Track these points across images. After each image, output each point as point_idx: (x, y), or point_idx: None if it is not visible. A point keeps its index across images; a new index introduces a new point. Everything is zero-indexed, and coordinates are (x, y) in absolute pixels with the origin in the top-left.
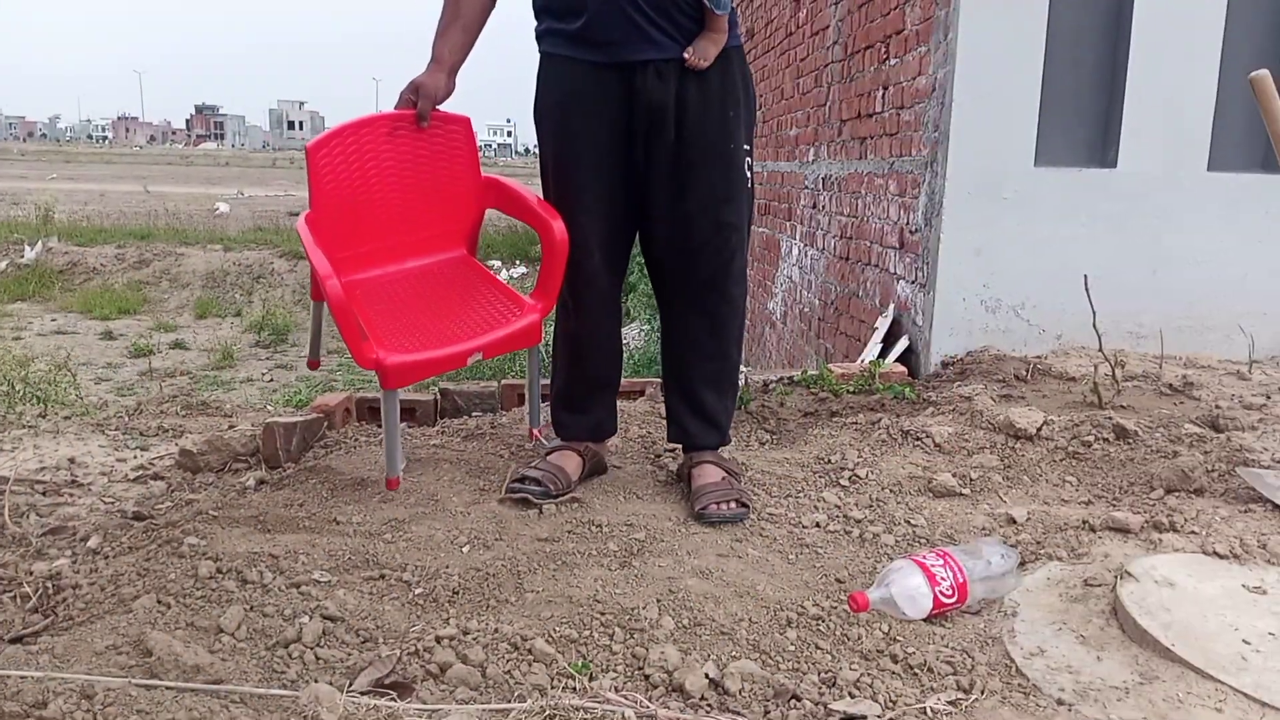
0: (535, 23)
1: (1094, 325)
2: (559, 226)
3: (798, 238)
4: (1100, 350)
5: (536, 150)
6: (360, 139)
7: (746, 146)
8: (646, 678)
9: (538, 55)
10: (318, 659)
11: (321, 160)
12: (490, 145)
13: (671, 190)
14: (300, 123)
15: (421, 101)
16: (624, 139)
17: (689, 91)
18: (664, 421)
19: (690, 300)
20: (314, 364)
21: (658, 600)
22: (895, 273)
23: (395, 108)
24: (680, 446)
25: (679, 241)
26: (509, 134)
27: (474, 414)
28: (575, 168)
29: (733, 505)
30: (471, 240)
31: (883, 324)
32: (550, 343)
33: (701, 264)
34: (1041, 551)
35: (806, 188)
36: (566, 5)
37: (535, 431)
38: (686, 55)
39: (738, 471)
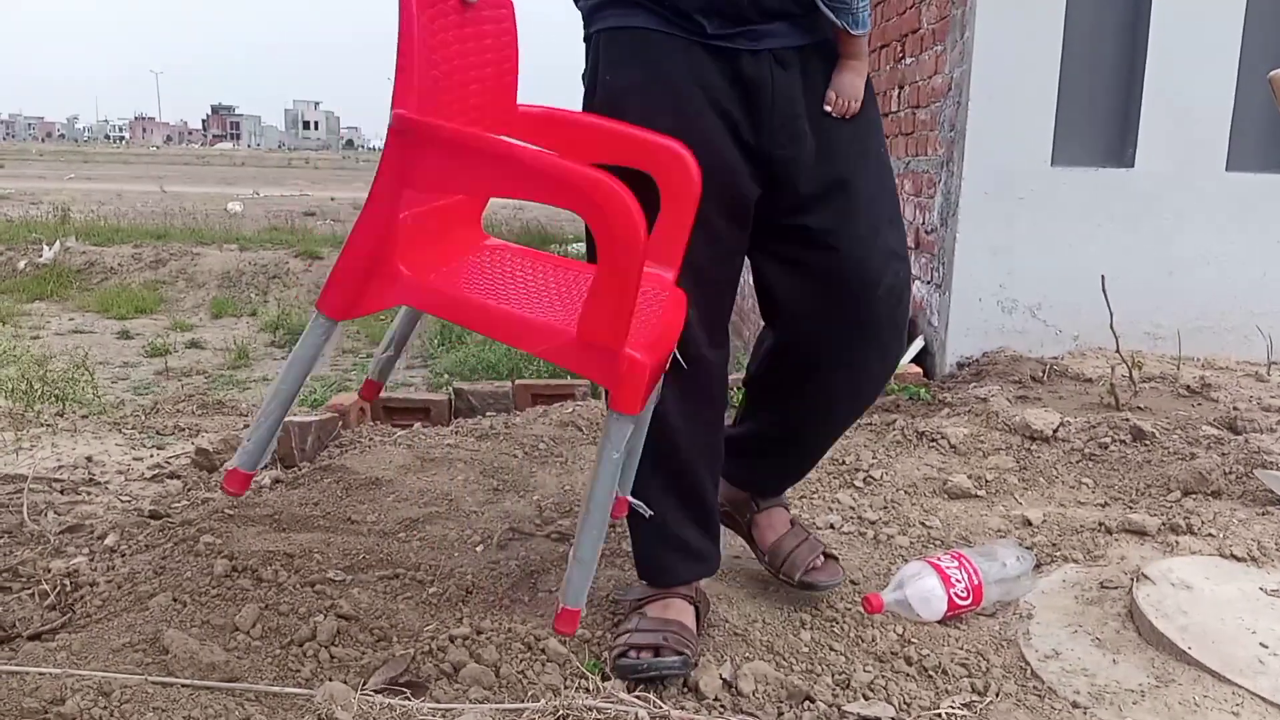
0: None
1: (1111, 326)
2: (689, 156)
3: None
4: (1117, 351)
5: None
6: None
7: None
8: (660, 678)
9: (590, 35)
10: (332, 658)
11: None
12: None
13: (820, 214)
14: (315, 123)
15: None
16: (736, 143)
17: (815, 81)
18: None
19: (836, 360)
20: (372, 392)
21: None
22: (911, 273)
23: None
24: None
25: (835, 282)
26: None
27: (488, 414)
28: None
29: (822, 559)
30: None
31: None
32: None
33: (863, 311)
34: (1057, 553)
35: None
36: None
37: (626, 499)
38: (830, 102)
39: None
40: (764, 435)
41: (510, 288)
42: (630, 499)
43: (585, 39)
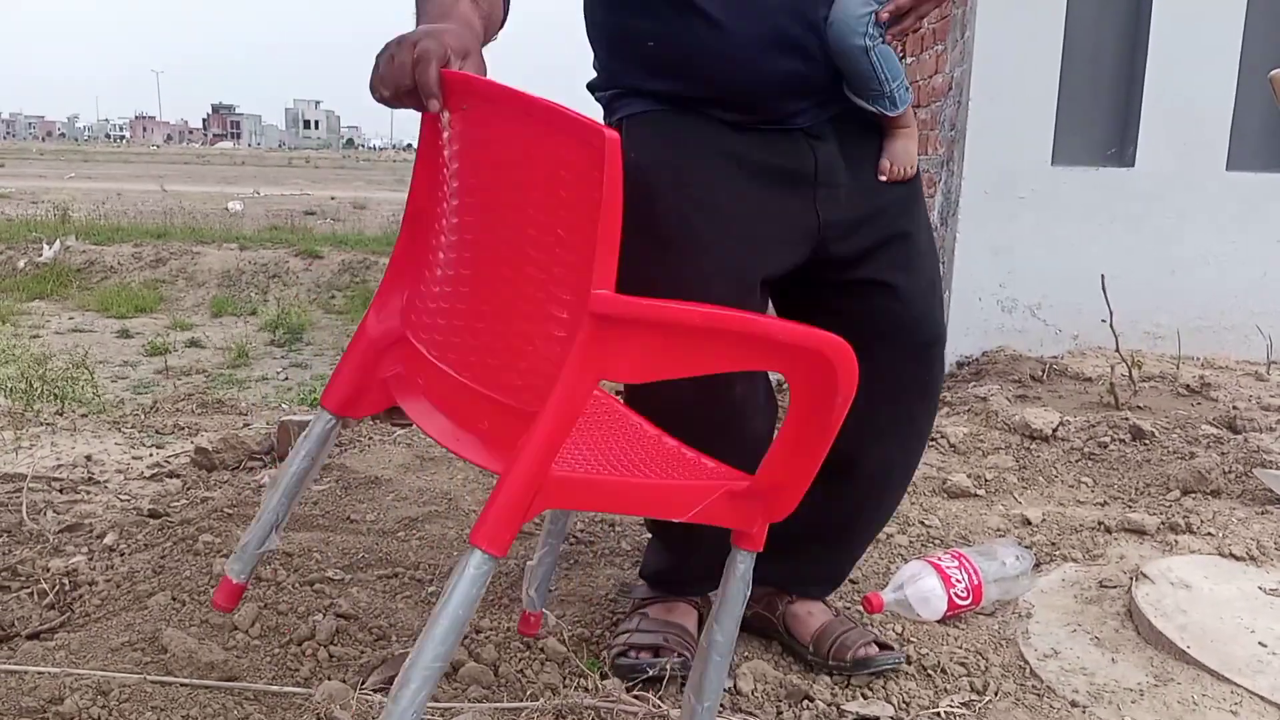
0: (599, 87)
1: (1111, 325)
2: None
3: None
4: (1117, 350)
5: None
6: None
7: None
8: (659, 678)
9: (612, 122)
10: (331, 657)
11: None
12: None
13: (882, 267)
14: (316, 122)
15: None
16: (777, 211)
17: (855, 142)
18: None
19: (881, 431)
20: (531, 627)
21: None
22: None
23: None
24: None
25: (901, 337)
26: None
27: None
28: (699, 235)
29: (875, 647)
30: None
31: None
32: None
33: (923, 368)
34: (1056, 553)
35: None
36: (677, 59)
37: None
38: (884, 171)
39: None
40: (813, 526)
41: (602, 449)
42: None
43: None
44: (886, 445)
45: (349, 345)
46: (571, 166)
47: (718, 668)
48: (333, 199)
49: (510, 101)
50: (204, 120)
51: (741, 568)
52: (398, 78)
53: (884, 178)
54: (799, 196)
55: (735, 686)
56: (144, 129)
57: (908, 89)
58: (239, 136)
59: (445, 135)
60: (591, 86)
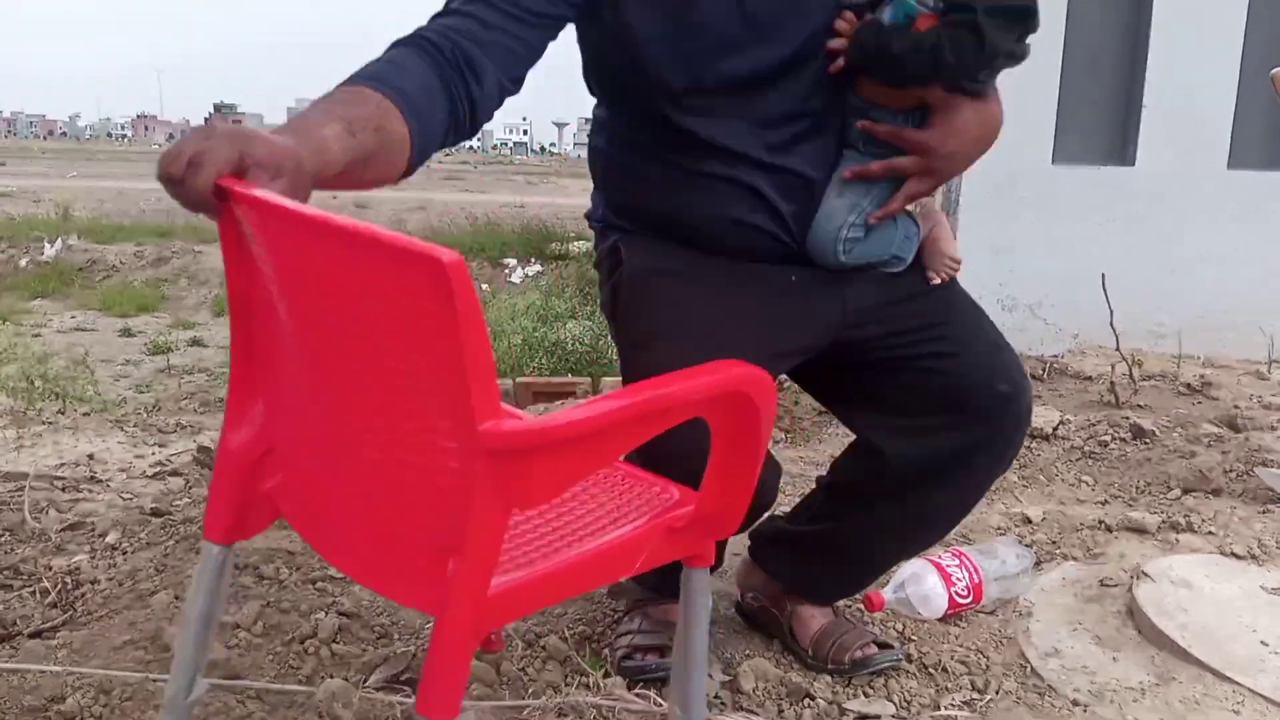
0: (599, 220)
1: (1111, 324)
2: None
3: None
4: (1118, 349)
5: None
6: None
7: None
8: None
9: (607, 248)
10: (333, 655)
11: None
12: (506, 143)
13: (931, 341)
14: None
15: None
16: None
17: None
18: None
19: (941, 481)
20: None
21: None
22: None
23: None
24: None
25: (951, 419)
26: (525, 132)
27: None
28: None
29: (874, 647)
30: None
31: None
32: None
33: (978, 438)
34: (1057, 551)
35: None
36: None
37: None
38: (932, 281)
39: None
40: (842, 540)
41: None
42: None
43: (597, 256)
44: (943, 491)
45: (215, 468)
46: (415, 297)
47: (696, 681)
48: (334, 198)
49: (322, 231)
50: (206, 119)
51: (698, 584)
52: (168, 167)
53: (936, 281)
54: (827, 294)
55: (736, 685)
56: (146, 128)
57: (910, 237)
58: None
59: (253, 245)
60: (589, 216)
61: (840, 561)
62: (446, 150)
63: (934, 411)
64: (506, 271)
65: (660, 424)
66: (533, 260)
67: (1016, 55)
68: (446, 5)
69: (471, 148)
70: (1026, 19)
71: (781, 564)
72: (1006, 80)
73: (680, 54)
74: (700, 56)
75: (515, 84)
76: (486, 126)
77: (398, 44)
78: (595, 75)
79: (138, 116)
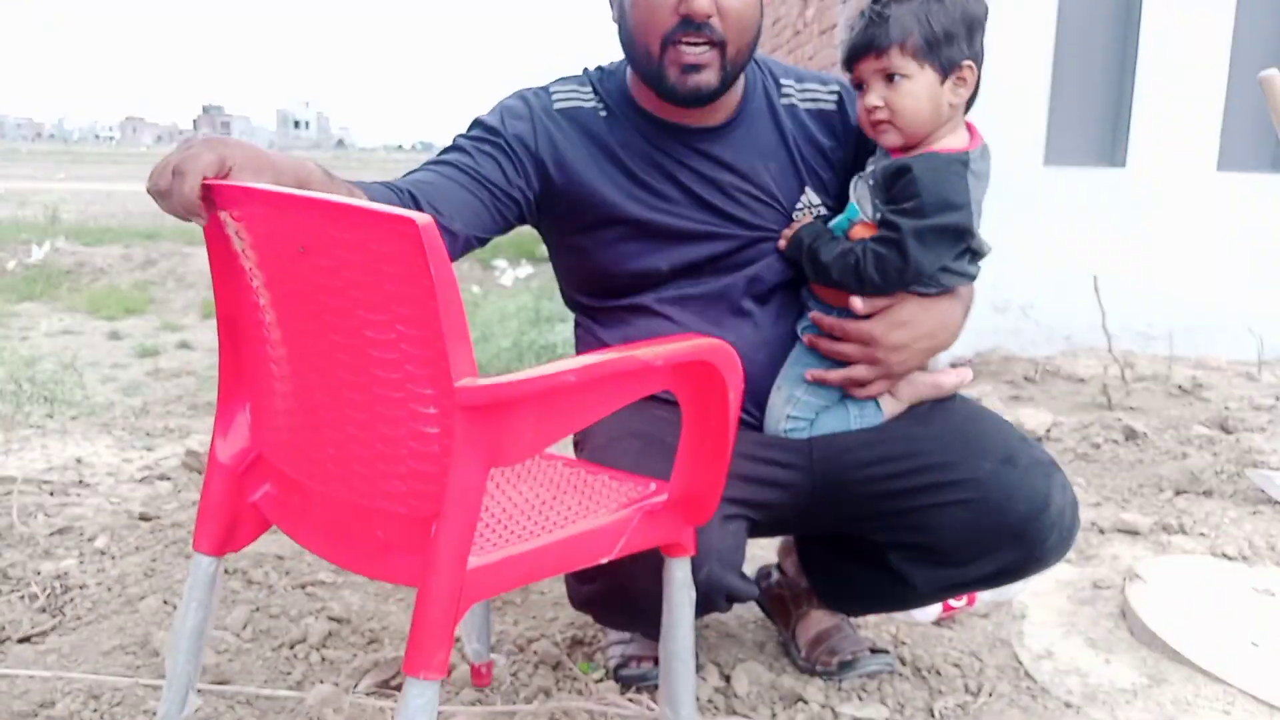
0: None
1: (1103, 326)
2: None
3: None
4: (1109, 351)
5: None
6: None
7: None
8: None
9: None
10: (323, 660)
11: None
12: None
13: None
14: (307, 122)
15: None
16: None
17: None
18: None
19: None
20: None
21: None
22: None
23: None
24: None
25: (972, 545)
26: None
27: None
28: None
29: (868, 651)
30: None
31: None
32: None
33: (1007, 554)
34: None
35: None
36: None
37: None
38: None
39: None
40: (873, 585)
41: (509, 503)
42: None
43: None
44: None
45: (204, 480)
46: (392, 260)
47: (683, 676)
48: None
49: (304, 207)
50: (194, 121)
51: (680, 575)
52: (156, 181)
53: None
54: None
55: (730, 689)
56: (134, 130)
57: (866, 413)
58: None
59: (238, 244)
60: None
61: (871, 600)
62: (436, 152)
63: (956, 550)
64: (496, 274)
65: (633, 389)
66: (523, 262)
67: (962, 273)
68: (407, 174)
69: None
70: (958, 238)
71: (816, 575)
72: (999, 81)
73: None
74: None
75: (479, 241)
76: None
77: (360, 184)
78: (571, 281)
79: (126, 118)
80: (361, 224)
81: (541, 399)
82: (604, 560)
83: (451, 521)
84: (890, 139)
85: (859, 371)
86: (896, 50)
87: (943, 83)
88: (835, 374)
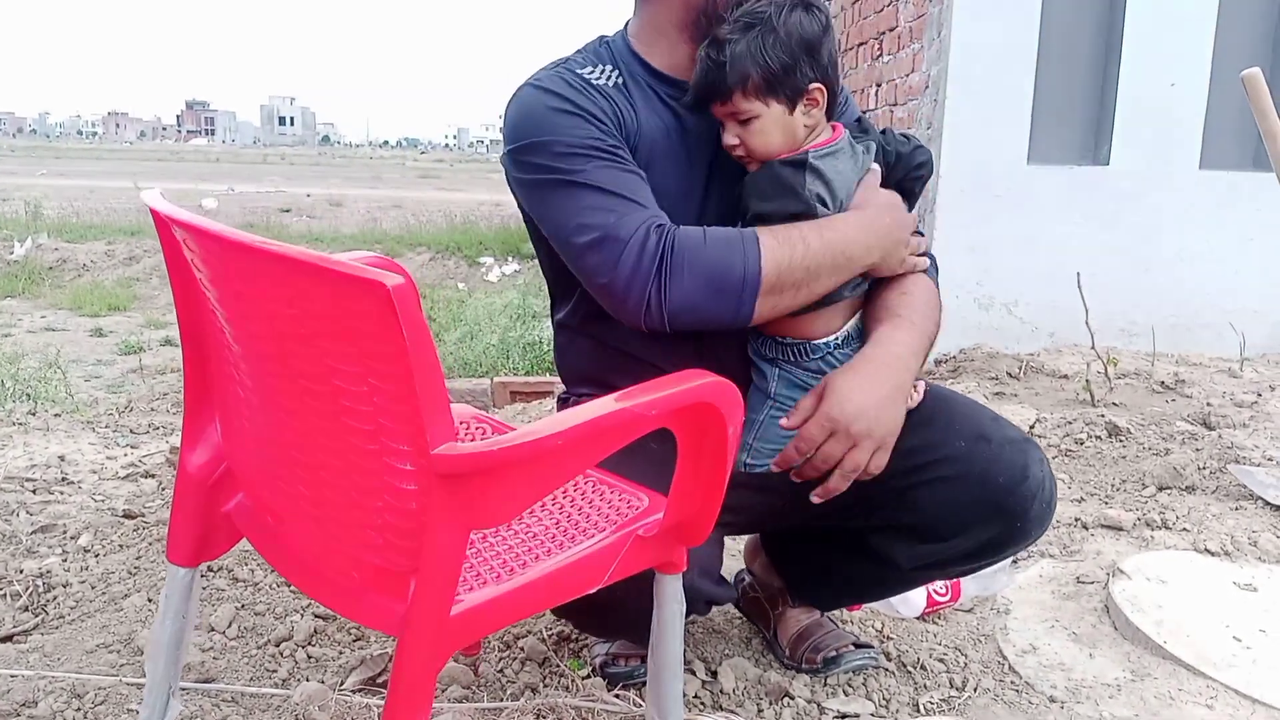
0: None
1: (1086, 323)
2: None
3: None
4: (1093, 348)
5: None
6: None
7: None
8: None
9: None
10: (309, 657)
11: None
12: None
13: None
14: (291, 118)
15: None
16: None
17: None
18: None
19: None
20: (474, 649)
21: None
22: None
23: None
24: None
25: (955, 527)
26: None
27: None
28: None
29: (852, 646)
30: None
31: None
32: None
33: (990, 535)
34: (1034, 549)
35: None
36: None
37: None
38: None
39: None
40: (848, 573)
41: (518, 536)
42: None
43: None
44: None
45: (175, 490)
46: (363, 318)
47: (672, 686)
48: (308, 196)
49: (265, 259)
50: (178, 117)
51: (670, 589)
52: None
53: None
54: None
55: (716, 684)
56: (117, 125)
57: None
58: (213, 133)
59: (197, 274)
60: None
61: (847, 595)
62: (421, 149)
63: (938, 524)
64: (483, 270)
65: (625, 437)
66: (510, 259)
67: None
68: None
69: (448, 145)
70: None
71: (788, 567)
72: (982, 81)
73: None
74: None
75: None
76: (462, 125)
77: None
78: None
79: (109, 114)
80: (329, 283)
81: (525, 462)
82: (593, 590)
83: (430, 581)
84: (754, 166)
85: (839, 482)
86: (739, 95)
87: (791, 112)
88: (823, 491)
